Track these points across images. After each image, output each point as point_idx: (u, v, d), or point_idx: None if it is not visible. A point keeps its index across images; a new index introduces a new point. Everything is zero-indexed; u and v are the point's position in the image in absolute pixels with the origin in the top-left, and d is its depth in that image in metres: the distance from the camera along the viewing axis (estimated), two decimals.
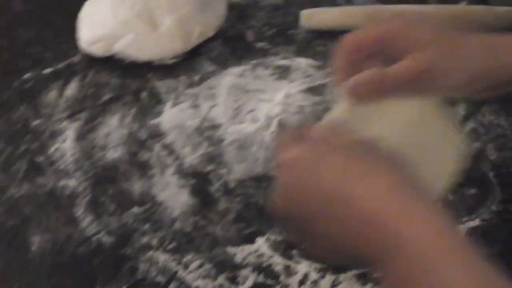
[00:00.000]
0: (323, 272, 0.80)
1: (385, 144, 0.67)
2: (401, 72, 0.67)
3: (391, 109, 0.73)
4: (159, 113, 0.98)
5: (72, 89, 1.03)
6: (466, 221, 0.85)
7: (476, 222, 0.85)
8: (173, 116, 0.98)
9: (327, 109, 0.95)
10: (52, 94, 1.02)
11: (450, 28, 0.72)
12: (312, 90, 1.02)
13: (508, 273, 0.77)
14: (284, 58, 1.07)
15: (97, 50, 1.06)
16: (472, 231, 0.85)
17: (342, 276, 0.80)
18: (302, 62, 1.06)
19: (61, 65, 1.07)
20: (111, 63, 1.06)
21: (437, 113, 0.77)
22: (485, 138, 0.95)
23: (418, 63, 0.68)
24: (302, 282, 0.80)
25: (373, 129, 0.72)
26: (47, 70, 1.06)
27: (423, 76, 0.68)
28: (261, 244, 0.83)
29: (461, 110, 0.99)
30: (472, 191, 0.88)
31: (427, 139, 0.77)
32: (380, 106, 0.72)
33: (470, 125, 0.97)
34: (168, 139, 0.95)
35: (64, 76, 1.05)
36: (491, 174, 0.91)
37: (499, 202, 0.87)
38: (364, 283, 0.80)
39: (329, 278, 0.80)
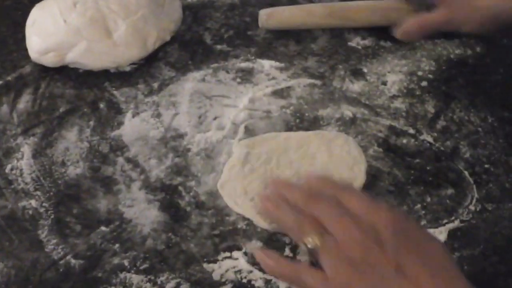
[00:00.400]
0: None
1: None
2: (437, 18, 0.97)
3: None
4: (119, 124, 0.94)
5: (24, 102, 0.98)
6: (446, 223, 0.84)
7: (456, 224, 0.84)
8: (134, 127, 0.94)
9: (295, 113, 0.93)
10: (3, 109, 0.97)
11: None
12: (278, 93, 0.99)
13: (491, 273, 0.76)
14: (246, 60, 1.04)
15: (49, 60, 1.01)
16: (453, 233, 0.83)
17: None
18: (265, 63, 1.03)
19: (10, 77, 1.02)
20: (64, 72, 1.02)
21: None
22: (457, 136, 0.93)
23: (446, 12, 0.97)
24: None
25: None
26: None
27: (451, 21, 0.98)
28: (238, 258, 0.80)
29: (430, 108, 0.97)
30: (450, 191, 0.87)
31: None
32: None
33: (441, 123, 0.95)
34: (132, 151, 0.91)
35: (15, 89, 1.00)
36: (466, 173, 0.89)
37: (477, 201, 0.86)
38: None
39: None
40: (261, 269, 0.78)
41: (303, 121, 0.94)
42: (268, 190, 0.78)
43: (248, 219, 0.83)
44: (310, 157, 0.87)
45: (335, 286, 0.66)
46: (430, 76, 1.02)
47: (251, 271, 0.79)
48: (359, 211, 0.69)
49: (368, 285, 0.64)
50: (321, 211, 0.70)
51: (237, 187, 0.84)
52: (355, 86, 1.00)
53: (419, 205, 0.85)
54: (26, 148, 0.91)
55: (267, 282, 0.78)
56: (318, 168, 0.86)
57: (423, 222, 0.84)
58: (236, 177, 0.85)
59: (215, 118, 0.95)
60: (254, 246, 0.80)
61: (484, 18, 0.96)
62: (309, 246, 0.69)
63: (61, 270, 0.79)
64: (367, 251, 0.65)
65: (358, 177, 0.86)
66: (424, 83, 1.01)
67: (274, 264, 0.72)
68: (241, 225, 0.83)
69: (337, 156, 0.87)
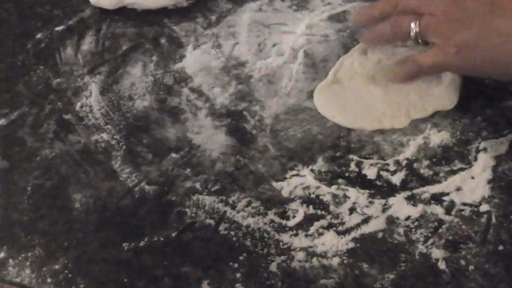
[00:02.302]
0: (371, 197, 0.80)
1: None
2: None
3: None
4: (181, 57, 0.97)
5: (87, 44, 1.01)
6: (508, 133, 0.85)
7: None
8: (196, 59, 0.96)
9: (351, 35, 0.94)
10: (68, 51, 1.00)
11: None
12: (334, 18, 1.00)
13: None
14: None
15: (108, 2, 1.04)
16: None
17: (391, 199, 0.80)
18: None
19: (72, 21, 1.05)
20: (124, 13, 1.04)
21: None
22: None
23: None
24: (352, 209, 0.79)
25: None
26: (59, 28, 1.04)
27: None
28: (306, 175, 0.82)
29: None
30: (510, 103, 0.87)
31: None
32: None
33: None
34: (195, 82, 0.93)
35: (77, 32, 1.03)
36: None
37: None
38: (414, 204, 0.79)
39: (378, 203, 0.79)
40: (327, 184, 0.80)
41: (360, 42, 0.95)
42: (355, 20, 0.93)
43: (312, 140, 0.85)
44: None
45: (447, 48, 0.78)
46: None
47: (318, 187, 0.81)
48: None
49: (473, 29, 0.76)
50: (407, 3, 0.82)
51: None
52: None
53: (479, 118, 0.86)
54: (93, 86, 0.94)
55: (334, 196, 0.80)
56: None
57: (484, 133, 0.85)
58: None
59: (274, 45, 0.97)
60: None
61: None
62: (412, 34, 0.81)
63: (136, 196, 0.82)
64: (462, 7, 0.77)
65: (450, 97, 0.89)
66: None
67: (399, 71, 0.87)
68: (306, 143, 0.84)
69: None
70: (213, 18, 1.01)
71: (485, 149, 0.83)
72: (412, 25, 0.80)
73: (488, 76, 0.84)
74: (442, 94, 0.88)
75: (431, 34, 0.79)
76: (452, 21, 0.76)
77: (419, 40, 0.81)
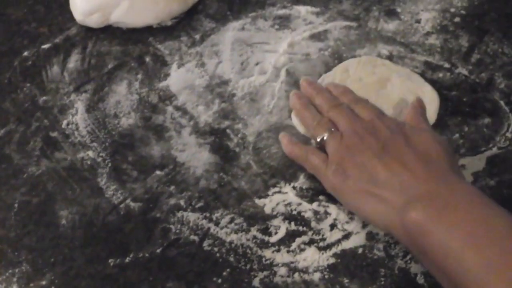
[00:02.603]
0: (352, 213, 0.81)
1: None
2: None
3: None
4: (166, 76, 0.98)
5: (74, 62, 1.02)
6: (484, 150, 0.87)
7: (494, 151, 0.87)
8: (180, 77, 0.98)
9: (333, 54, 0.96)
10: (54, 69, 1.01)
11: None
12: (315, 37, 1.02)
13: None
14: (282, 7, 1.07)
15: (94, 21, 1.05)
16: (491, 160, 0.86)
17: None
18: (301, 9, 1.07)
19: (58, 39, 1.06)
20: (109, 31, 1.06)
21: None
22: (492, 68, 0.96)
23: None
24: (333, 225, 0.81)
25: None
26: (46, 46, 1.06)
27: None
28: (288, 192, 0.84)
29: (464, 42, 0.99)
30: (486, 120, 0.90)
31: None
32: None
33: (476, 56, 0.98)
34: (180, 100, 0.95)
35: (63, 50, 1.04)
36: (502, 103, 0.92)
37: None
38: None
39: (358, 219, 0.81)
40: (309, 201, 0.82)
41: (341, 61, 0.97)
42: (300, 87, 0.91)
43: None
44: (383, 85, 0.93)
45: (332, 163, 0.78)
46: (463, 12, 1.04)
47: (300, 204, 0.83)
48: (368, 118, 0.82)
49: (357, 163, 0.76)
50: (337, 114, 0.83)
51: None
52: (390, 26, 1.03)
53: (457, 135, 0.88)
54: (79, 104, 0.96)
55: (316, 212, 0.82)
56: (390, 96, 0.92)
57: (462, 150, 0.87)
58: None
59: (257, 64, 0.98)
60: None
61: None
62: (318, 139, 0.82)
63: (121, 213, 0.83)
64: (363, 140, 0.78)
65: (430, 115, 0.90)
66: (457, 19, 1.03)
67: (289, 144, 0.85)
68: (288, 161, 0.86)
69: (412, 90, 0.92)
70: (197, 37, 1.03)
71: (463, 166, 0.85)
72: (325, 134, 0.83)
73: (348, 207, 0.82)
74: (427, 96, 0.90)
75: (329, 148, 0.82)
76: (349, 148, 0.79)
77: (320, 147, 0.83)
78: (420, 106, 0.84)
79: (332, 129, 0.82)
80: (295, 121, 0.90)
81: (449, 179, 0.73)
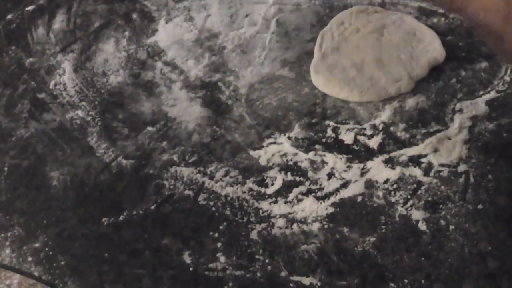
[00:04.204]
0: (349, 162, 0.80)
1: None
2: None
3: None
4: (154, 31, 0.96)
5: (59, 22, 1.00)
6: (483, 94, 0.85)
7: (492, 95, 0.85)
8: (169, 32, 0.96)
9: (324, 4, 0.94)
10: (40, 31, 0.99)
11: None
12: None
13: None
14: None
15: None
16: (490, 103, 0.84)
17: (369, 163, 0.80)
18: None
19: (42, 1, 1.04)
20: None
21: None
22: None
23: None
24: (330, 174, 0.79)
25: None
26: (30, 8, 1.03)
27: None
28: (283, 143, 0.82)
29: None
30: (483, 64, 0.88)
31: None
32: None
33: None
34: (169, 55, 0.93)
35: (48, 11, 1.02)
36: None
37: (511, 72, 0.87)
38: (393, 167, 0.79)
39: (356, 167, 0.79)
40: (305, 151, 0.80)
41: (333, 10, 0.95)
42: None
43: (288, 107, 0.84)
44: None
45: None
46: None
47: (296, 154, 0.81)
48: None
49: None
50: None
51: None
52: None
53: (454, 80, 0.86)
54: (66, 64, 0.93)
55: (312, 162, 0.80)
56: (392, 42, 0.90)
57: (459, 95, 0.85)
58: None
59: (246, 16, 0.96)
60: None
61: None
62: None
63: (114, 171, 0.81)
64: None
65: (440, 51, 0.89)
66: None
67: None
68: (282, 111, 0.84)
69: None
70: None
71: (460, 110, 0.83)
72: None
73: None
74: (430, 49, 0.88)
75: None
76: None
77: None
78: None
79: None
80: (317, 82, 0.88)
81: None
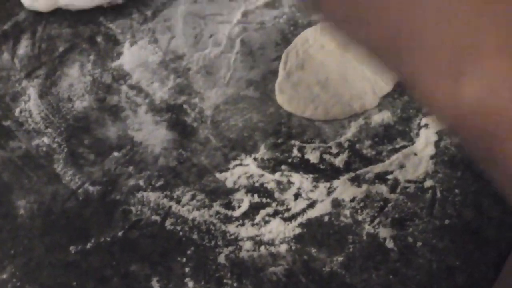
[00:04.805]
0: (316, 181, 0.80)
1: None
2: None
3: None
4: (119, 55, 0.95)
5: (23, 47, 0.99)
6: None
7: None
8: (134, 55, 0.95)
9: (288, 21, 0.94)
10: (4, 57, 0.98)
11: None
12: (270, 4, 1.00)
13: None
14: None
15: (42, 5, 1.02)
16: None
17: (335, 182, 0.80)
18: None
19: (6, 26, 1.03)
20: (58, 14, 1.03)
21: None
22: None
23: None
24: (297, 195, 0.79)
25: None
26: None
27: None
28: (249, 164, 0.82)
29: None
30: None
31: None
32: None
33: None
34: (134, 78, 0.92)
35: (12, 36, 1.01)
36: None
37: None
38: (359, 185, 0.79)
39: (323, 186, 0.80)
40: (271, 171, 0.80)
41: (297, 28, 0.95)
42: None
43: (254, 128, 0.84)
44: None
45: None
46: None
47: (262, 175, 0.81)
48: None
49: None
50: None
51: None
52: None
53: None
54: (31, 90, 0.93)
55: (279, 183, 0.80)
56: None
57: (425, 109, 0.85)
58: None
59: (211, 36, 0.96)
60: None
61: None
62: None
63: (80, 198, 0.81)
64: None
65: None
66: None
67: None
68: (248, 132, 0.84)
69: None
70: (149, 13, 1.00)
71: (426, 125, 0.84)
72: None
73: None
74: None
75: None
76: None
77: None
78: None
79: None
80: (282, 100, 0.87)
81: None
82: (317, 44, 0.91)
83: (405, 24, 0.44)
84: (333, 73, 0.88)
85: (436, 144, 0.82)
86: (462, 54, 0.42)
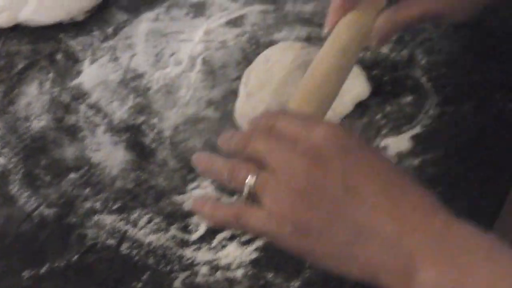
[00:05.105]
0: None
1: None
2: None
3: None
4: (78, 73, 0.94)
5: None
6: (408, 129, 0.85)
7: (417, 130, 0.85)
8: (94, 73, 0.94)
9: (250, 40, 0.93)
10: None
11: None
12: (231, 23, 0.99)
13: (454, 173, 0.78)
14: None
15: (2, 20, 1.01)
16: (415, 139, 0.84)
17: None
18: None
19: None
20: (18, 30, 1.02)
21: None
22: (412, 44, 0.93)
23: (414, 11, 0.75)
24: None
25: None
26: None
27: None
28: (207, 187, 0.81)
29: None
30: (409, 98, 0.87)
31: None
32: None
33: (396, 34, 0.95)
34: (93, 97, 0.91)
35: None
36: (424, 79, 0.90)
37: (436, 106, 0.87)
38: None
39: None
40: (229, 195, 0.79)
41: (259, 47, 0.94)
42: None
43: (213, 150, 0.83)
44: None
45: (282, 222, 0.57)
46: None
47: (220, 198, 0.80)
48: (294, 133, 0.59)
49: (320, 212, 0.55)
50: (254, 147, 0.60)
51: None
52: (307, 7, 1.00)
53: (380, 115, 0.86)
54: None
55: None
56: None
57: (384, 131, 0.84)
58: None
59: (172, 55, 0.95)
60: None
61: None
62: (245, 190, 0.59)
63: (36, 221, 0.80)
64: (310, 176, 0.56)
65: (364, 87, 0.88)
66: None
67: (211, 212, 0.63)
68: None
69: None
70: (110, 30, 0.99)
71: (385, 147, 0.83)
72: (249, 178, 0.59)
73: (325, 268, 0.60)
74: (355, 86, 0.87)
75: (267, 196, 0.58)
76: (297, 192, 0.56)
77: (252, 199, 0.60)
78: None
79: (257, 171, 0.59)
80: (241, 121, 0.86)
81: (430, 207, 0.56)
82: (279, 64, 0.90)
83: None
84: (293, 93, 0.87)
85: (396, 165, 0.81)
86: None
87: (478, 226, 0.54)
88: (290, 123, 0.61)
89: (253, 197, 0.59)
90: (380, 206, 0.55)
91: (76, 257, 0.76)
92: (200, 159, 0.67)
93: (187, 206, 0.79)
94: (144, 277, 0.74)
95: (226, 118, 0.87)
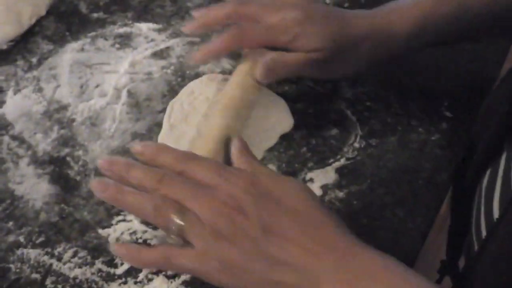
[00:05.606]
0: None
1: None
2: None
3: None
4: (1, 103, 0.93)
5: None
6: (333, 162, 0.86)
7: (342, 162, 0.87)
8: (17, 104, 0.93)
9: (176, 72, 0.94)
10: None
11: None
12: (157, 55, 1.00)
13: (379, 205, 0.80)
14: (123, 25, 1.04)
15: None
16: (340, 171, 0.86)
17: None
18: (143, 27, 1.04)
19: None
20: None
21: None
22: None
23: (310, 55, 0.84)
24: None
25: None
26: None
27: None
28: (132, 220, 0.81)
29: None
30: (334, 131, 0.89)
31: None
32: None
33: None
34: (16, 128, 0.90)
35: None
36: (349, 112, 0.92)
37: (361, 138, 0.89)
38: None
39: None
40: (154, 228, 0.79)
41: (184, 79, 0.95)
42: (102, 170, 0.72)
43: None
44: None
45: (209, 260, 0.66)
46: None
47: (145, 231, 0.80)
48: (210, 181, 0.68)
49: (240, 251, 0.65)
50: (171, 190, 0.68)
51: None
52: None
53: (304, 148, 0.87)
54: None
55: (162, 239, 0.79)
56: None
57: (310, 164, 0.86)
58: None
59: (97, 86, 0.95)
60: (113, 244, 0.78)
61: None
62: (174, 230, 0.67)
63: None
64: (230, 221, 0.65)
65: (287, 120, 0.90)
66: None
67: (138, 255, 0.69)
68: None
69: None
70: (34, 60, 0.99)
71: (311, 180, 0.84)
72: (176, 219, 0.66)
73: None
74: (278, 118, 0.89)
75: (196, 237, 0.66)
76: (221, 234, 0.65)
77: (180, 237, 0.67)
78: (243, 146, 0.74)
79: (183, 211, 0.67)
80: None
81: (344, 241, 0.67)
82: (202, 96, 0.91)
83: None
84: (216, 126, 0.87)
85: (321, 199, 0.83)
86: None
87: (401, 259, 0.64)
88: (208, 171, 0.69)
89: (181, 236, 0.67)
90: (292, 241, 0.64)
91: None
92: (103, 188, 0.71)
93: (112, 239, 0.79)
94: None
95: None
